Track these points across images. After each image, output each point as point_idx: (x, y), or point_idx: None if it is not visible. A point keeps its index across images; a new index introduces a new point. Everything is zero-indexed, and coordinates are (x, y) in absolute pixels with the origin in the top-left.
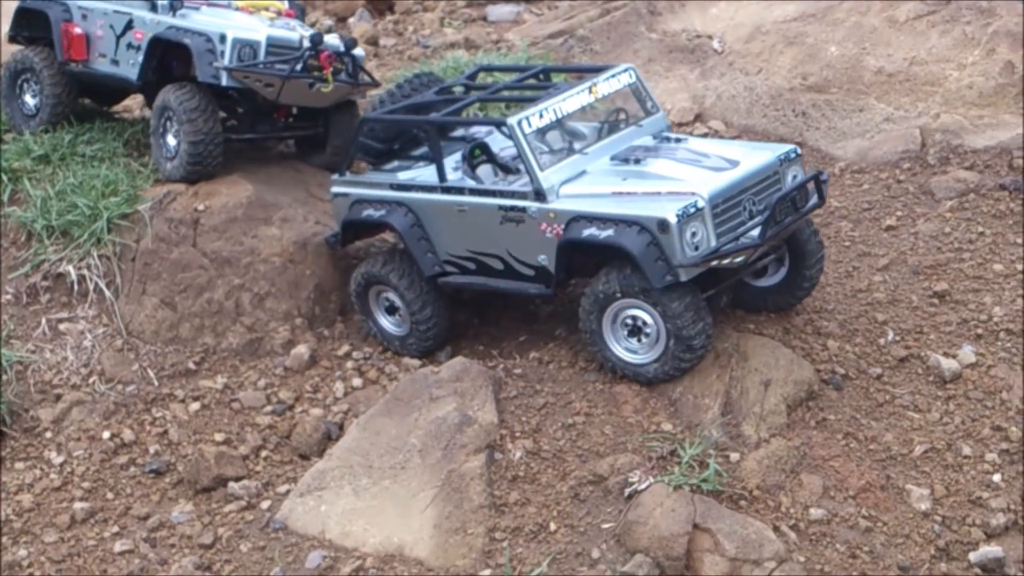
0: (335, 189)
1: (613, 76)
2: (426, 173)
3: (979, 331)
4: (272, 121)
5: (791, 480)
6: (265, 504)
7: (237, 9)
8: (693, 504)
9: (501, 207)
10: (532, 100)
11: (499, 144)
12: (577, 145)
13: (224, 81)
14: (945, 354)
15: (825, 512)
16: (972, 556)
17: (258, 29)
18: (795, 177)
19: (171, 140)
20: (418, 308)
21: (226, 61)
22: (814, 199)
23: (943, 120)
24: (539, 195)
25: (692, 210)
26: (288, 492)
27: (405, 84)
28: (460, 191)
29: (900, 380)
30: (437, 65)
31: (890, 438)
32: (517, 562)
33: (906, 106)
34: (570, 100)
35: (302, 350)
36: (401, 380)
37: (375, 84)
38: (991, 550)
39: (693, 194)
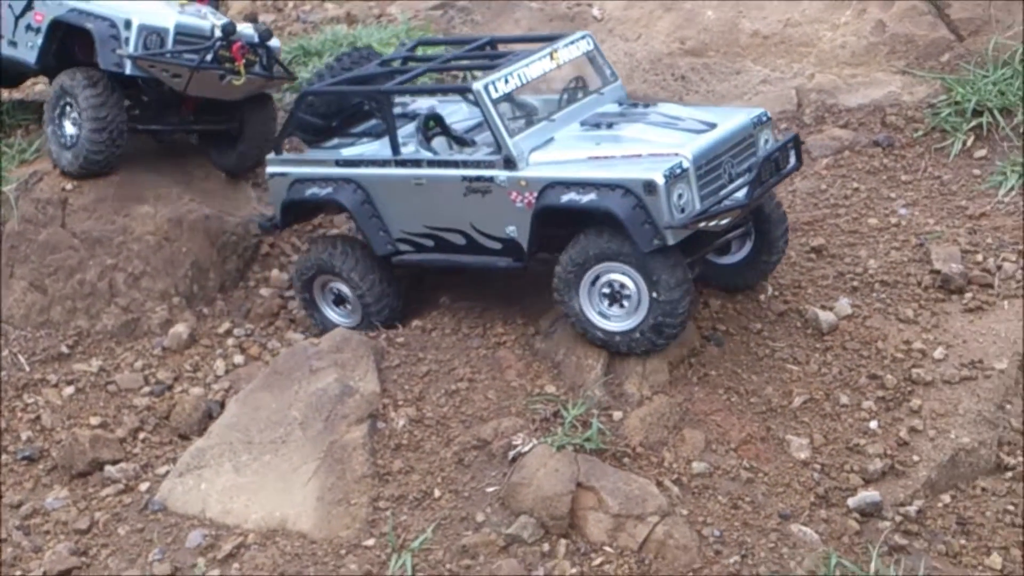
0: (271, 169)
1: (572, 43)
2: (374, 148)
3: (855, 284)
4: (180, 113)
5: (674, 436)
6: (144, 486)
7: None
8: (576, 463)
9: (465, 178)
10: (479, 67)
11: (451, 116)
12: (540, 112)
13: (128, 70)
14: (823, 307)
15: (707, 465)
16: (850, 501)
17: (166, 15)
18: (767, 141)
19: (69, 127)
20: (368, 293)
21: (130, 49)
22: (793, 162)
23: (818, 80)
24: (509, 163)
25: (678, 171)
26: (167, 473)
27: (344, 58)
28: (417, 163)
29: (779, 334)
30: (317, 39)
31: (770, 391)
32: (401, 530)
33: (782, 67)
34: (533, 66)
35: (180, 329)
36: (280, 353)
37: (291, 78)
38: (869, 495)
39: (676, 155)
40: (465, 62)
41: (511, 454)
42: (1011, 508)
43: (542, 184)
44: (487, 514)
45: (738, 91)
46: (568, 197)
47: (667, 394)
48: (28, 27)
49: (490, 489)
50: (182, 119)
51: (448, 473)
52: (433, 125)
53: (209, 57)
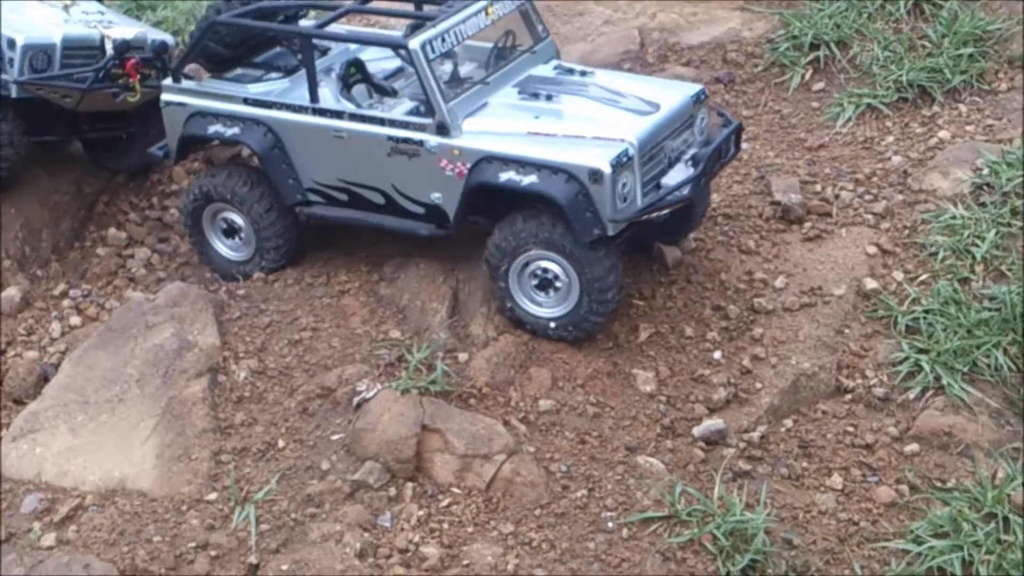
0: (168, 97)
1: None
2: (284, 87)
3: None
4: (73, 122)
5: (520, 375)
6: None
7: None
8: (422, 406)
9: (391, 138)
10: (418, 18)
11: (372, 62)
12: (468, 72)
13: (14, 94)
14: (668, 242)
15: (554, 403)
16: (696, 431)
17: (52, 29)
18: (703, 120)
19: None
20: (267, 227)
21: (16, 73)
22: (732, 150)
23: (660, 19)
24: (441, 128)
25: (624, 159)
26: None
27: None
28: (338, 115)
29: (626, 270)
30: None
31: (616, 326)
32: (245, 483)
33: (624, 8)
34: (469, 22)
35: (12, 292)
36: (115, 310)
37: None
38: (713, 423)
39: (622, 140)
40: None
41: (356, 401)
42: (850, 429)
43: (477, 156)
44: (332, 462)
45: (582, 33)
46: (507, 176)
47: (513, 334)
48: None
49: (335, 437)
50: (75, 128)
51: (292, 423)
52: (354, 72)
53: (102, 74)
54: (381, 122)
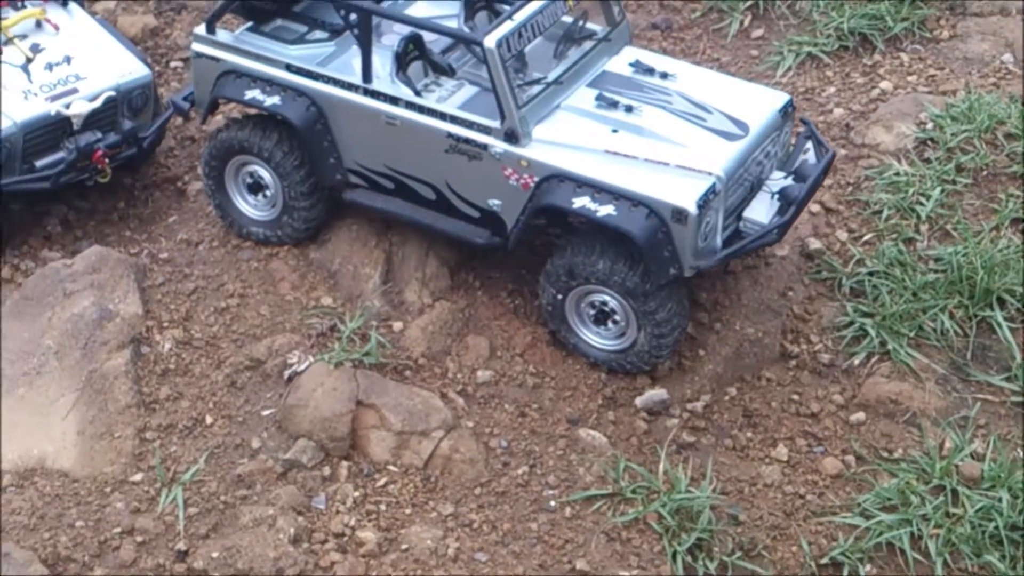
0: (199, 48)
1: None
2: (329, 51)
3: None
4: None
5: (457, 344)
6: None
7: None
8: (356, 380)
9: (451, 135)
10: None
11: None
12: (537, 67)
13: None
14: None
15: (493, 373)
16: (638, 401)
17: (10, 109)
18: (786, 132)
19: None
20: (298, 184)
21: None
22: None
23: None
24: (510, 136)
25: (711, 195)
26: None
27: None
28: (393, 100)
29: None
30: None
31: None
32: (171, 462)
33: None
34: (547, 12)
35: None
36: (30, 277)
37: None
38: (656, 393)
39: (709, 173)
40: None
41: (287, 373)
42: (795, 397)
43: (547, 172)
44: (263, 439)
45: None
46: (582, 203)
47: (449, 300)
48: None
49: (266, 412)
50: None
51: (220, 397)
52: (412, 49)
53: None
54: (442, 116)
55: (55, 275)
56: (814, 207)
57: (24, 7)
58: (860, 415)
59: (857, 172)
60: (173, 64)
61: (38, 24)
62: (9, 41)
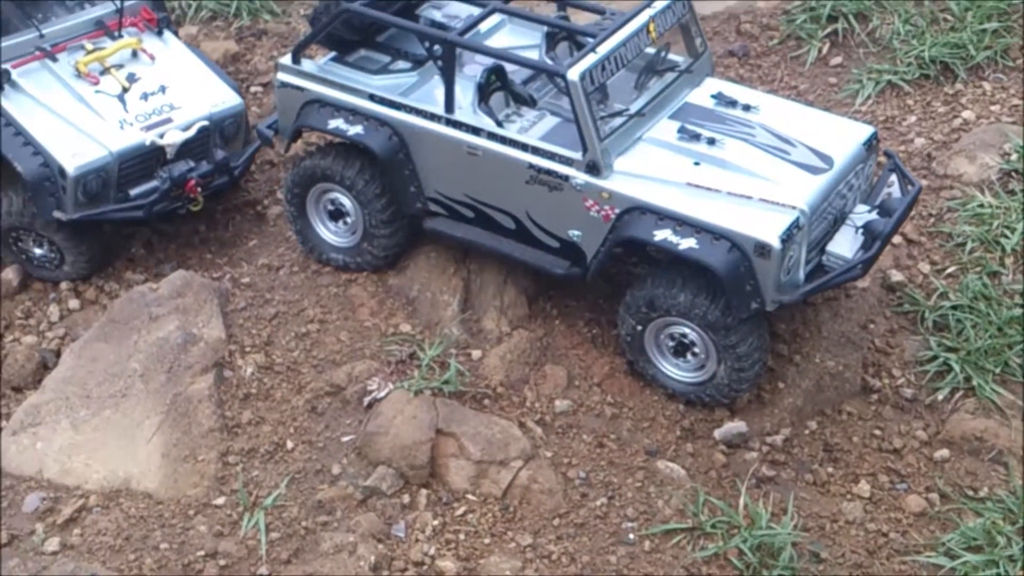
0: (284, 78)
1: (668, 7)
2: (412, 82)
3: None
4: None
5: (535, 373)
6: None
7: (79, 76)
8: (435, 408)
9: (532, 166)
10: (560, 28)
11: (496, 39)
12: (618, 98)
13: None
14: None
15: (571, 403)
16: (717, 433)
17: (106, 138)
18: (870, 165)
19: (37, 250)
20: (379, 212)
21: (69, 204)
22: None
23: None
24: (592, 168)
25: (795, 230)
26: (0, 431)
27: None
28: (475, 131)
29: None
30: None
31: None
32: (253, 486)
33: None
34: (629, 45)
35: (9, 274)
36: (117, 300)
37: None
38: (735, 426)
39: (793, 207)
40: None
41: (366, 400)
42: (877, 433)
43: (628, 204)
44: (343, 466)
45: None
46: (663, 236)
47: (527, 329)
48: None
49: (346, 438)
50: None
51: (301, 423)
52: (494, 79)
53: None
54: (523, 147)
55: (141, 299)
56: (896, 238)
57: (121, 37)
58: (944, 452)
59: (939, 203)
60: (253, 89)
61: (134, 54)
62: (106, 71)
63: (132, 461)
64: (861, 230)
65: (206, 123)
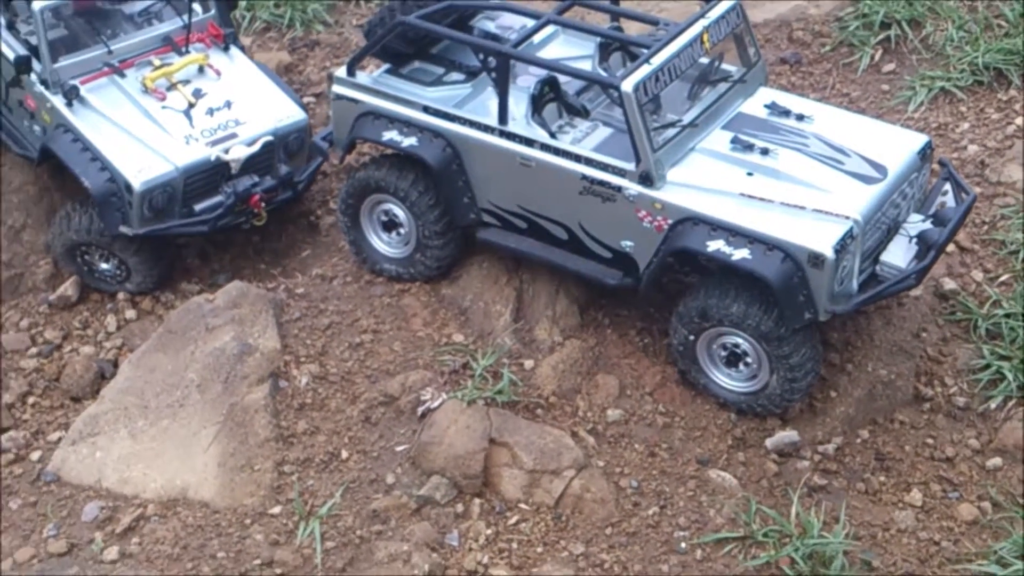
0: (339, 90)
1: (722, 18)
2: (465, 93)
3: None
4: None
5: (587, 383)
6: (35, 455)
7: (146, 91)
8: (488, 418)
9: (586, 177)
10: (615, 40)
11: (549, 49)
12: (671, 109)
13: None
14: None
15: (623, 412)
16: (768, 442)
17: (172, 154)
18: (924, 174)
19: (103, 265)
20: (432, 223)
21: (135, 219)
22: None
23: None
24: (645, 178)
25: (848, 240)
26: (60, 440)
27: None
28: (528, 142)
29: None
30: None
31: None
32: (308, 495)
33: None
34: (684, 55)
35: (69, 289)
36: (173, 312)
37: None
38: (786, 435)
39: (847, 217)
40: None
41: (420, 410)
42: (929, 441)
43: (682, 214)
44: (397, 475)
45: (642, 7)
46: (717, 246)
47: (579, 338)
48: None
49: (399, 448)
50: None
51: (355, 432)
52: (547, 91)
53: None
54: (576, 158)
55: (198, 310)
56: (949, 246)
57: (188, 52)
58: (997, 460)
59: (993, 211)
60: (306, 99)
61: (201, 69)
62: (173, 86)
63: (189, 470)
64: (915, 239)
65: (270, 138)
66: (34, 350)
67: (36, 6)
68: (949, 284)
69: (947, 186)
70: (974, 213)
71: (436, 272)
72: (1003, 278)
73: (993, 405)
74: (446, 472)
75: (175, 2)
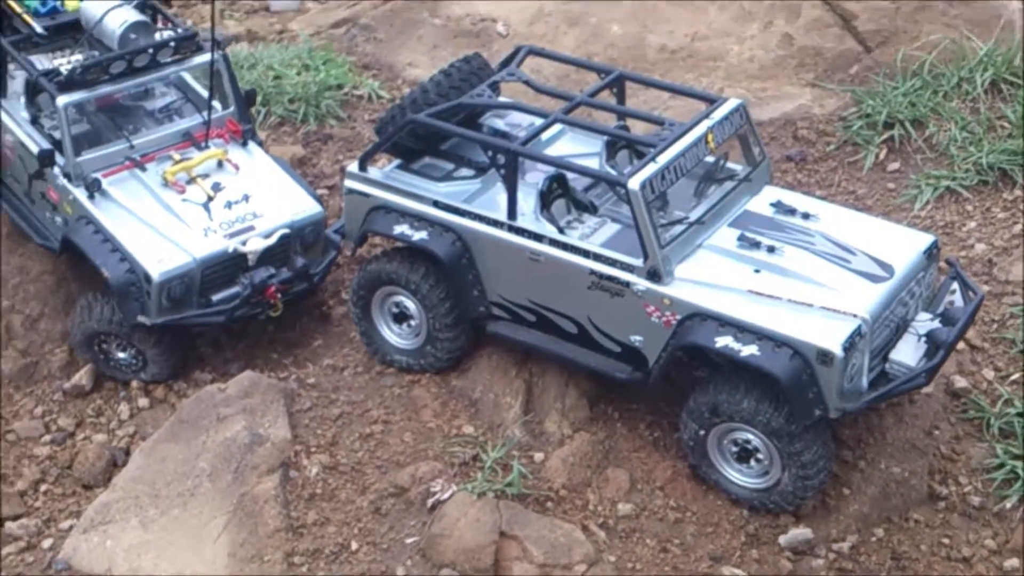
0: (351, 184)
1: (726, 119)
2: (475, 188)
3: None
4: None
5: (597, 476)
6: (47, 543)
7: (166, 184)
8: (499, 511)
9: (594, 272)
10: (621, 138)
11: (557, 147)
12: (678, 205)
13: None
14: None
15: (634, 507)
16: (782, 540)
17: (190, 245)
18: (931, 273)
19: (120, 354)
20: (443, 316)
21: (153, 308)
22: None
23: (727, 94)
24: (653, 274)
25: (857, 338)
26: (71, 528)
27: (454, 71)
28: (537, 237)
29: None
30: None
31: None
32: None
33: (691, 82)
34: (688, 154)
35: (83, 379)
36: (186, 401)
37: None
38: (800, 532)
39: (855, 316)
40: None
41: (430, 502)
42: (945, 541)
43: (689, 310)
44: (407, 567)
45: (647, 107)
46: (725, 342)
47: (589, 431)
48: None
49: (409, 540)
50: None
51: (365, 524)
52: (556, 187)
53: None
54: (585, 254)
55: (210, 399)
56: (959, 344)
57: (207, 147)
58: (1014, 561)
59: (1002, 309)
60: (319, 191)
61: (220, 164)
62: (192, 180)
63: (199, 560)
64: (924, 338)
65: (287, 231)
66: (47, 437)
67: (60, 102)
68: (960, 382)
69: (955, 285)
70: (983, 311)
71: (446, 364)
72: (1014, 376)
73: (1008, 505)
74: (456, 565)
75: (195, 99)
